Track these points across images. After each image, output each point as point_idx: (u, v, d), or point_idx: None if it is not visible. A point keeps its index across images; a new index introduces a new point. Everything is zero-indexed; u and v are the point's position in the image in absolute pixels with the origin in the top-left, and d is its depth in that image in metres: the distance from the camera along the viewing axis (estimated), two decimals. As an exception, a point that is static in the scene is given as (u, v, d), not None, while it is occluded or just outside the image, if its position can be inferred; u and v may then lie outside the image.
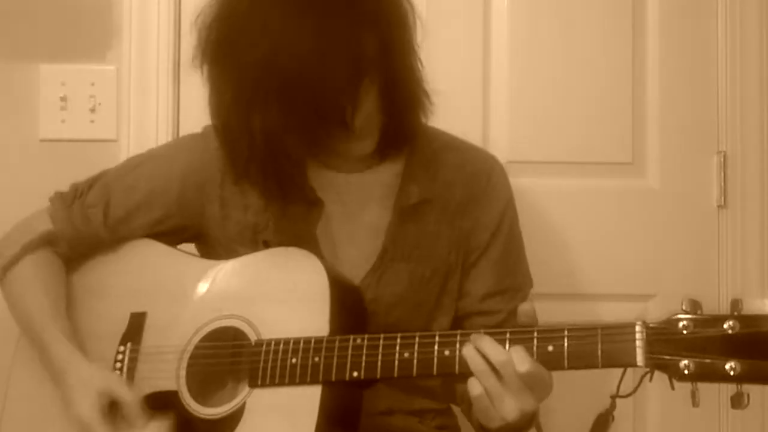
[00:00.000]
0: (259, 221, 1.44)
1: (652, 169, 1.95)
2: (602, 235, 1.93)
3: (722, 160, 1.93)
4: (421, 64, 1.42)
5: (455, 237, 1.45)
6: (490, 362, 1.18)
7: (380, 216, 1.44)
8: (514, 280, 1.50)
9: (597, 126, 1.93)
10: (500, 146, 1.91)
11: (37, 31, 1.87)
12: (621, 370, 1.17)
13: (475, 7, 1.93)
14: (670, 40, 1.94)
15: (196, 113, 1.67)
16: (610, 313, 1.93)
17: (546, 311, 1.89)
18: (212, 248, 1.49)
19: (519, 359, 1.17)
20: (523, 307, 1.24)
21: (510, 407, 1.19)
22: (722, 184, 1.93)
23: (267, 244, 1.43)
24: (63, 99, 1.87)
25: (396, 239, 1.43)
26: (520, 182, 1.89)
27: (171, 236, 1.50)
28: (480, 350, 1.19)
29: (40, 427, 1.43)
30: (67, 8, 1.87)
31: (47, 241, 1.49)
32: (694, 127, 1.94)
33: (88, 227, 1.49)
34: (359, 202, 1.45)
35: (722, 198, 1.93)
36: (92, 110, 1.88)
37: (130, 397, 1.32)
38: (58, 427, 1.38)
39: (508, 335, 1.20)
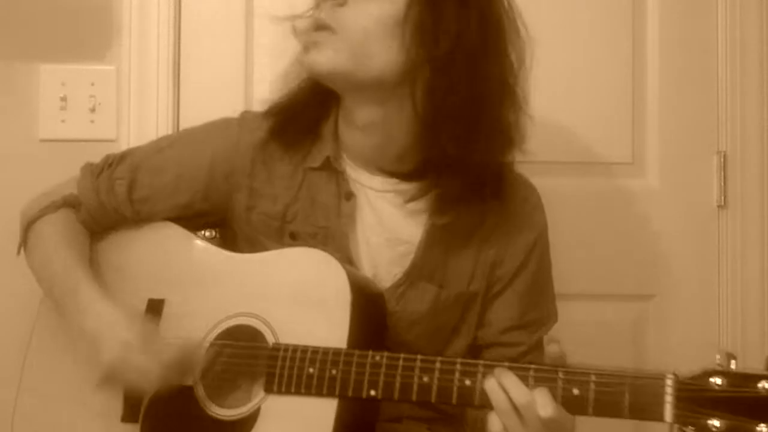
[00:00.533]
0: (288, 212, 1.43)
1: (652, 169, 1.95)
2: (602, 235, 1.93)
3: (722, 160, 1.93)
4: (523, 102, 1.34)
5: (480, 265, 1.42)
6: (513, 402, 1.15)
7: (411, 230, 1.40)
8: (539, 314, 1.47)
9: (597, 126, 1.93)
10: (500, 146, 1.92)
11: (37, 31, 1.87)
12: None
13: (475, 7, 1.93)
14: (670, 40, 1.94)
15: (196, 113, 1.69)
16: (610, 313, 1.93)
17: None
18: (235, 238, 1.48)
19: (542, 403, 1.14)
20: (551, 350, 1.20)
21: None
22: (722, 184, 1.93)
23: (294, 236, 1.42)
24: (63, 99, 1.87)
25: (425, 258, 1.40)
26: (520, 182, 1.90)
27: (193, 220, 1.49)
28: (503, 387, 1.16)
29: (56, 404, 1.43)
30: (67, 8, 1.87)
31: (70, 204, 1.48)
32: (694, 127, 1.94)
33: (111, 200, 1.47)
34: (392, 210, 1.42)
35: (722, 198, 1.93)
36: (92, 110, 1.88)
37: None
38: (74, 404, 1.39)
39: (531, 372, 1.17)
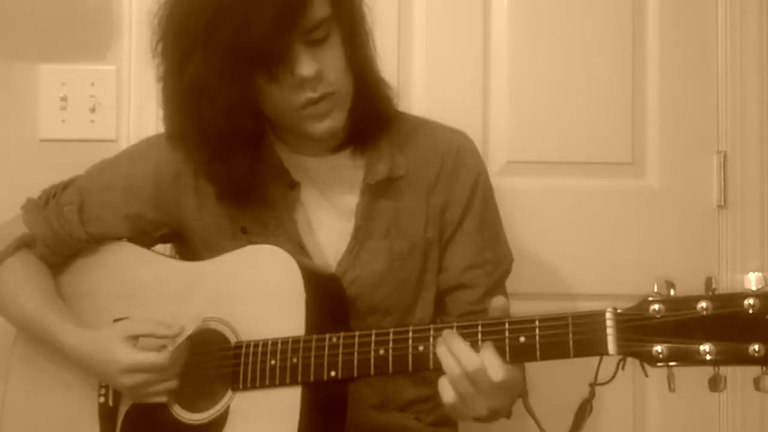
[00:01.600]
0: (234, 209, 1.45)
1: (652, 169, 1.95)
2: (602, 235, 1.93)
3: (722, 160, 1.93)
4: (376, 51, 1.44)
5: (431, 213, 1.47)
6: (464, 368, 1.17)
7: (352, 197, 1.46)
8: (494, 252, 1.50)
9: (597, 126, 1.93)
10: (500, 146, 1.92)
11: (37, 31, 1.87)
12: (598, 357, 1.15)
13: (475, 7, 1.93)
14: (670, 40, 1.94)
15: (196, 113, 1.68)
16: (610, 313, 1.93)
17: (546, 311, 1.90)
18: (192, 246, 1.49)
19: (492, 368, 1.16)
20: (497, 302, 1.23)
21: (481, 408, 1.19)
22: (722, 184, 1.93)
23: (245, 230, 1.44)
24: (63, 99, 1.87)
25: (368, 217, 1.44)
26: (520, 182, 1.90)
27: (149, 235, 1.50)
28: (453, 353, 1.18)
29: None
30: (67, 8, 1.87)
31: (24, 244, 1.49)
32: (694, 127, 1.94)
33: (64, 226, 1.49)
34: (332, 185, 1.47)
35: (722, 198, 1.93)
36: (92, 110, 1.88)
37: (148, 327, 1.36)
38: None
39: (480, 328, 1.19)
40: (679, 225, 1.94)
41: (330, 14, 1.33)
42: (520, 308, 1.77)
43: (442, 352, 1.19)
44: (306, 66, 1.31)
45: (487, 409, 1.19)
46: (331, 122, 1.37)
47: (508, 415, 1.38)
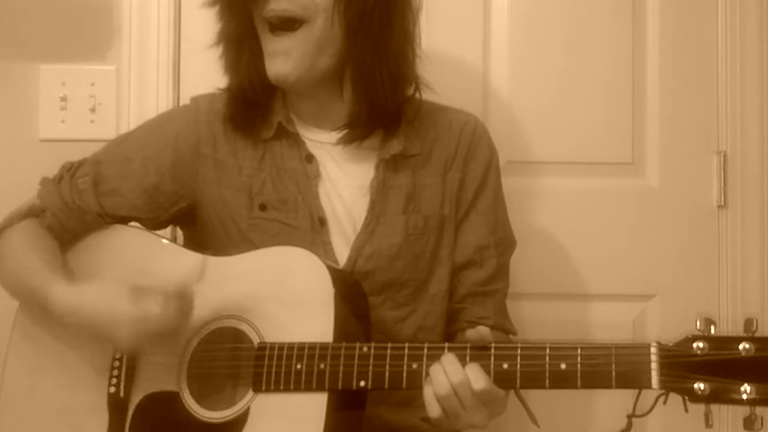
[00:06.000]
0: (254, 183, 1.46)
1: (652, 169, 1.95)
2: (602, 235, 1.93)
3: (722, 160, 1.93)
4: (418, 42, 1.47)
5: (448, 189, 1.50)
6: (450, 380, 1.19)
7: (368, 172, 1.47)
8: (504, 233, 1.55)
9: (597, 126, 1.93)
10: (500, 146, 1.91)
11: (37, 31, 1.87)
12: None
13: (475, 7, 1.93)
14: (670, 40, 1.94)
15: (196, 113, 1.68)
16: (610, 313, 1.93)
17: (546, 311, 1.90)
18: (207, 225, 1.49)
19: (474, 377, 1.19)
20: (477, 333, 1.23)
21: (462, 423, 1.22)
22: (722, 184, 1.93)
23: (263, 208, 1.45)
24: (63, 99, 1.87)
25: (383, 192, 1.46)
26: (520, 182, 1.90)
27: (165, 210, 1.50)
28: (444, 369, 1.21)
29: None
30: (67, 8, 1.87)
31: (34, 214, 1.49)
32: (694, 127, 1.94)
33: (75, 198, 1.48)
34: (348, 159, 1.48)
35: (722, 198, 1.93)
36: (92, 110, 1.88)
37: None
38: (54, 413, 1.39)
39: (519, 350, 1.20)
40: (679, 225, 1.94)
41: None
42: (520, 308, 1.79)
43: (435, 369, 1.21)
44: None
45: (468, 424, 1.22)
46: (282, 63, 1.41)
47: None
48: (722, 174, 1.93)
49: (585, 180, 1.94)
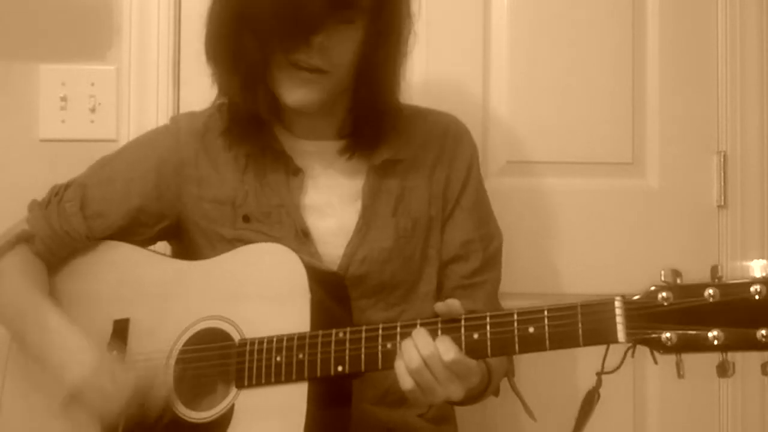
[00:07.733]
0: (237, 195, 1.47)
1: (652, 169, 1.95)
2: (602, 235, 1.93)
3: (722, 160, 1.93)
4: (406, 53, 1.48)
5: (434, 190, 1.52)
6: (420, 353, 1.20)
7: (358, 179, 1.48)
8: (488, 228, 1.56)
9: (597, 126, 1.93)
10: (500, 146, 1.92)
11: (37, 31, 1.87)
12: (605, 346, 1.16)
13: (475, 7, 1.93)
14: (670, 41, 1.94)
15: (196, 112, 1.68)
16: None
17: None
18: (190, 240, 1.50)
19: (444, 349, 1.19)
20: (446, 306, 1.24)
21: (437, 397, 1.22)
22: (722, 184, 1.93)
23: (247, 219, 1.46)
24: (63, 99, 1.87)
25: (374, 197, 1.48)
26: (520, 182, 1.90)
27: (149, 228, 1.51)
28: (415, 343, 1.21)
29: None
30: (67, 8, 1.87)
31: (23, 240, 1.49)
32: (694, 127, 1.94)
33: (63, 224, 1.49)
34: (338, 168, 1.49)
35: (722, 198, 1.93)
36: (92, 110, 1.88)
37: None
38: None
39: (488, 319, 1.20)
40: (679, 225, 1.94)
41: (370, 6, 1.37)
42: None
43: (407, 344, 1.22)
44: (320, 33, 1.34)
45: (444, 397, 1.22)
46: (305, 94, 1.40)
47: (496, 393, 1.47)
48: (722, 174, 1.93)
49: (585, 180, 1.94)
